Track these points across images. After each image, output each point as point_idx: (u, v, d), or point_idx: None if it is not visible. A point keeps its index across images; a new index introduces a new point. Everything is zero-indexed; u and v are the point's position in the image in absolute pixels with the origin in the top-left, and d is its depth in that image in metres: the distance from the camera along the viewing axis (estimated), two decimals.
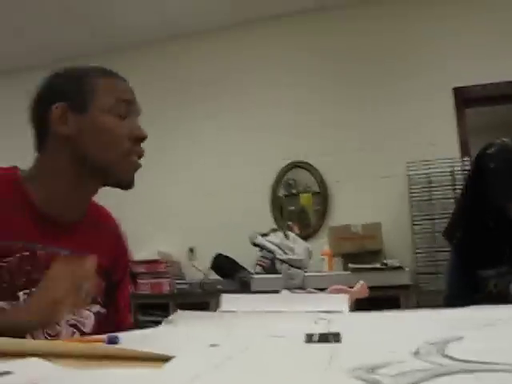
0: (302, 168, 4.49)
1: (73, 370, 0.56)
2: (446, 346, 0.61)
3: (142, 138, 1.27)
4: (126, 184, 1.29)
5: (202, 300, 3.78)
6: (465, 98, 4.26)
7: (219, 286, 3.90)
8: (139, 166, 1.29)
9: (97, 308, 1.29)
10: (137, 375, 0.52)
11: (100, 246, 1.33)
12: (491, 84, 4.16)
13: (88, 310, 1.26)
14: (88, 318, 1.26)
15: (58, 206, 1.24)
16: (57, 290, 1.02)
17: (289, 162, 4.50)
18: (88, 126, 1.22)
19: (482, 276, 2.26)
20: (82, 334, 1.22)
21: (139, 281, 4.30)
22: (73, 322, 1.22)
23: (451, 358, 0.54)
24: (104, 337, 0.83)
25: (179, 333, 1.00)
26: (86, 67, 1.32)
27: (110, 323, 1.32)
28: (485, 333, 0.83)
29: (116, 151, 1.23)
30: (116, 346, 0.77)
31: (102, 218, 1.41)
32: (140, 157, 1.29)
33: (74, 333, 1.21)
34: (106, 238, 1.39)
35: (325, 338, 0.68)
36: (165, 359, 0.59)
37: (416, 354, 0.57)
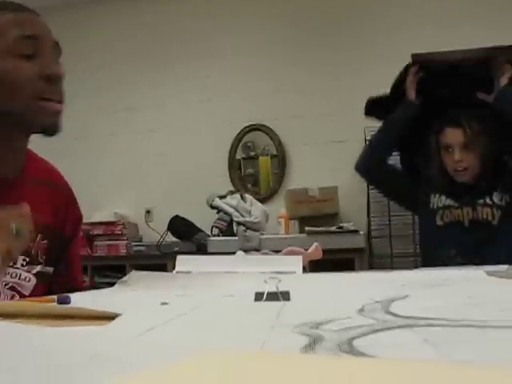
0: (261, 131, 4.48)
1: (18, 325, 0.55)
2: (391, 304, 0.63)
3: (54, 76, 1.14)
4: (46, 129, 1.17)
5: (158, 262, 3.78)
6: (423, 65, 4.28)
7: (176, 248, 3.90)
8: (56, 108, 1.15)
9: (37, 268, 1.23)
10: (83, 332, 0.52)
11: (44, 202, 1.28)
12: (451, 51, 4.19)
13: (27, 271, 1.20)
14: (28, 279, 1.21)
15: None
16: None
17: (247, 124, 4.48)
18: None
19: None
20: (22, 296, 1.17)
21: (95, 243, 4.27)
22: (11, 284, 1.17)
23: (394, 314, 0.55)
24: (55, 297, 0.83)
25: (132, 293, 1.00)
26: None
27: (61, 282, 1.30)
28: (431, 292, 0.85)
29: (22, 95, 1.12)
30: (66, 306, 0.76)
31: (45, 174, 1.34)
32: (58, 97, 1.16)
33: (13, 296, 1.17)
34: (50, 194, 1.32)
35: (274, 296, 0.69)
36: (113, 317, 0.59)
37: (361, 311, 0.58)
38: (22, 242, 1.01)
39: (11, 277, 1.17)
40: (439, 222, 2.30)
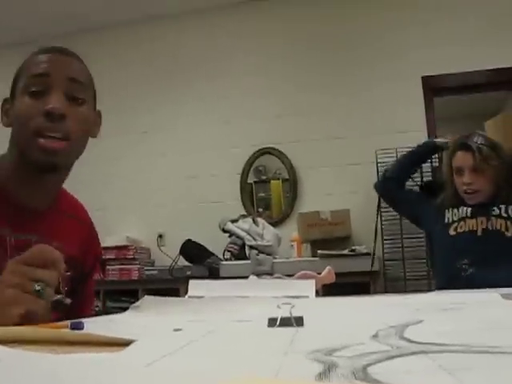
0: (272, 155, 4.49)
1: (30, 353, 0.55)
2: (405, 329, 0.62)
3: (52, 113, 1.14)
4: (41, 166, 1.17)
5: (171, 286, 3.77)
6: (433, 87, 4.30)
7: (188, 272, 3.90)
8: (52, 146, 1.14)
9: (56, 297, 1.24)
10: (97, 359, 0.52)
11: (70, 235, 1.32)
12: (459, 73, 4.20)
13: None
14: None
15: (24, 193, 1.22)
16: (4, 292, 0.89)
17: (259, 148, 4.50)
18: (13, 110, 1.19)
19: None
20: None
21: (108, 267, 4.27)
22: None
23: (408, 340, 0.55)
24: (68, 322, 0.82)
25: (144, 318, 1.00)
26: (37, 49, 1.24)
27: (72, 313, 1.31)
28: (445, 316, 0.84)
29: (24, 131, 1.15)
30: (79, 332, 0.76)
31: (73, 209, 1.39)
32: (59, 134, 1.15)
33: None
34: (77, 228, 1.37)
35: (287, 322, 0.69)
36: (126, 343, 0.59)
37: (375, 336, 0.58)
38: (45, 302, 0.93)
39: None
40: (452, 232, 2.34)
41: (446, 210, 2.42)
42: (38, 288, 0.91)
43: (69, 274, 1.28)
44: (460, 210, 2.36)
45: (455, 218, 2.36)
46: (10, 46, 4.57)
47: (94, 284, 1.54)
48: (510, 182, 2.35)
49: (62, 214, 1.31)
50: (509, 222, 2.25)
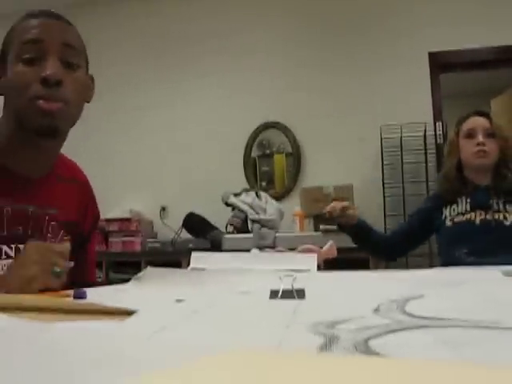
0: (276, 129, 4.48)
1: (33, 322, 0.56)
2: (406, 304, 0.63)
3: (50, 79, 1.13)
4: (40, 130, 1.16)
5: (173, 258, 3.78)
6: (440, 63, 4.26)
7: (191, 245, 3.90)
8: (46, 108, 1.13)
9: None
10: (99, 328, 0.52)
11: (68, 199, 1.33)
12: (466, 50, 4.16)
13: None
14: None
15: (21, 162, 1.22)
16: (30, 268, 1.01)
17: (263, 122, 4.48)
18: (6, 78, 1.18)
19: None
20: None
21: (111, 239, 4.29)
22: None
23: (410, 314, 0.55)
24: (71, 291, 0.83)
25: (147, 289, 1.00)
26: (22, 15, 1.22)
27: (76, 275, 1.32)
28: (446, 292, 0.85)
29: (21, 98, 1.14)
30: (82, 301, 0.77)
31: (69, 171, 1.39)
32: (53, 100, 1.14)
33: None
34: (75, 191, 1.37)
35: (289, 294, 0.69)
36: (129, 313, 0.59)
37: (376, 310, 0.58)
38: (60, 282, 1.05)
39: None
40: (449, 223, 2.30)
41: (444, 208, 2.36)
42: (57, 270, 1.04)
43: (68, 238, 1.29)
44: (459, 206, 2.31)
45: (453, 213, 2.33)
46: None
47: (95, 250, 1.54)
48: (510, 159, 2.33)
49: (59, 180, 1.31)
50: (507, 214, 2.23)
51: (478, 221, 2.23)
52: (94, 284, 1.33)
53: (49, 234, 1.26)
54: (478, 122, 2.32)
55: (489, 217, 2.20)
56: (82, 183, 1.43)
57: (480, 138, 2.27)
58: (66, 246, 1.10)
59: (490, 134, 2.28)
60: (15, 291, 0.97)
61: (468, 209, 2.26)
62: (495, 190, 2.24)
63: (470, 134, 2.31)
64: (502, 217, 2.20)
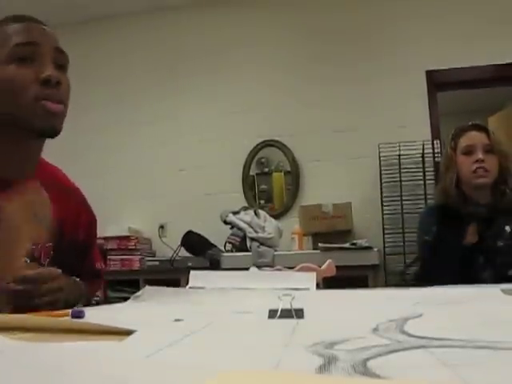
0: (275, 147, 4.49)
1: (30, 343, 0.55)
2: (405, 323, 0.62)
3: (50, 80, 1.18)
4: (44, 130, 1.20)
5: (171, 277, 3.77)
6: (437, 82, 4.29)
7: (189, 263, 3.90)
8: (52, 109, 1.18)
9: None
10: (97, 348, 0.52)
11: (52, 203, 1.31)
12: (463, 68, 4.19)
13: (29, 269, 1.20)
14: None
15: (4, 164, 1.22)
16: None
17: (261, 140, 4.50)
18: None
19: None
20: None
21: (109, 257, 4.28)
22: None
23: (408, 334, 0.55)
24: (69, 311, 0.83)
25: (145, 308, 1.00)
26: (3, 18, 1.26)
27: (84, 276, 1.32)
28: (445, 310, 0.84)
29: (22, 98, 1.17)
30: (80, 321, 0.77)
31: (57, 180, 1.38)
32: (55, 101, 1.19)
33: None
34: (62, 198, 1.35)
35: (288, 314, 0.69)
36: (127, 333, 0.59)
37: (375, 330, 0.58)
38: (45, 230, 1.10)
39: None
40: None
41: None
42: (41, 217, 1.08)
43: (49, 245, 1.27)
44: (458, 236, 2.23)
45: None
46: None
47: (97, 252, 1.54)
48: (509, 175, 2.28)
49: (47, 186, 1.31)
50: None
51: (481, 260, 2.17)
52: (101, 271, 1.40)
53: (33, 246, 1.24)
54: (477, 137, 2.26)
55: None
56: (68, 189, 1.41)
57: (479, 155, 2.20)
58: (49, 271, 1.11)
59: (489, 150, 2.22)
60: None
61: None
62: (494, 214, 2.19)
63: (469, 151, 2.25)
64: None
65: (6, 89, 1.18)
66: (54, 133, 1.22)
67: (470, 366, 0.40)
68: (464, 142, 2.28)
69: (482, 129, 2.29)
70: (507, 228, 2.16)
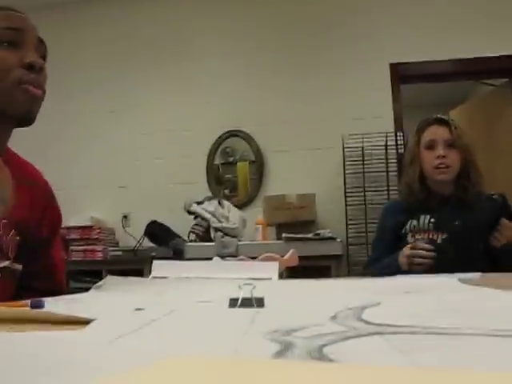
0: (239, 137, 4.50)
1: None
2: (363, 311, 0.64)
3: (34, 65, 1.19)
4: (22, 116, 1.21)
5: (135, 267, 3.76)
6: (401, 74, 4.34)
7: (153, 254, 3.88)
8: (34, 94, 1.20)
9: (4, 263, 1.21)
10: (55, 337, 0.52)
11: (21, 198, 1.28)
12: (427, 62, 4.25)
13: None
14: None
15: None
16: None
17: (226, 130, 4.49)
18: None
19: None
20: None
21: (72, 247, 4.24)
22: None
23: (366, 321, 0.56)
24: (28, 301, 0.82)
25: (106, 298, 0.99)
26: None
27: (44, 287, 1.29)
28: (404, 299, 0.86)
29: (4, 81, 1.17)
30: (39, 310, 0.76)
31: (27, 173, 1.35)
32: (36, 86, 1.21)
33: None
34: (31, 192, 1.32)
35: (248, 302, 0.70)
36: (87, 322, 0.59)
37: (333, 318, 0.59)
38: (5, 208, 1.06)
39: None
40: (410, 240, 2.25)
41: (406, 222, 2.27)
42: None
43: (18, 238, 1.25)
44: (420, 222, 2.23)
45: (412, 227, 2.24)
46: None
47: (63, 257, 1.51)
48: (474, 168, 2.30)
49: (13, 178, 1.28)
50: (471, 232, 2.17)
51: (439, 240, 2.19)
52: (64, 293, 1.30)
53: None
54: (439, 132, 2.28)
55: (452, 238, 2.17)
56: (38, 183, 1.38)
57: (440, 151, 2.23)
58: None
59: (451, 145, 2.25)
60: None
61: (431, 228, 2.21)
62: (456, 208, 2.22)
63: (431, 145, 2.28)
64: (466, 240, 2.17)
65: None
66: (29, 119, 1.22)
67: (425, 351, 0.41)
68: (427, 136, 2.31)
69: (445, 123, 2.31)
70: (457, 222, 2.21)
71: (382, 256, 2.30)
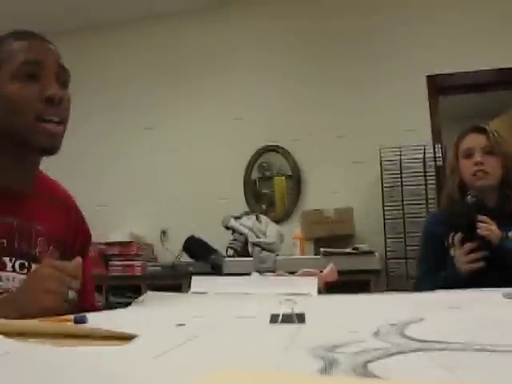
0: (276, 152, 4.50)
1: (37, 346, 0.56)
2: (406, 327, 0.63)
3: (54, 98, 1.20)
4: (44, 149, 1.23)
5: (173, 282, 3.77)
6: (438, 86, 4.29)
7: (191, 269, 3.90)
8: (54, 130, 1.21)
9: (74, 294, 1.25)
10: (100, 353, 0.52)
11: (55, 217, 1.33)
12: (465, 72, 4.20)
13: None
14: None
15: (4, 177, 1.24)
16: (44, 299, 1.01)
17: (263, 145, 4.50)
18: None
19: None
20: None
21: (111, 262, 4.28)
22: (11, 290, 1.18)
23: (409, 337, 0.55)
24: (71, 317, 0.83)
25: (147, 313, 1.00)
26: (5, 34, 1.27)
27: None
28: (446, 315, 0.85)
29: (24, 115, 1.19)
30: (83, 326, 0.77)
31: (57, 194, 1.40)
32: (58, 118, 1.22)
33: None
34: (63, 212, 1.37)
35: (289, 318, 0.70)
36: (130, 338, 0.60)
37: (376, 334, 0.58)
38: (69, 307, 1.04)
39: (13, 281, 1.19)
40: (452, 253, 2.18)
41: (446, 237, 2.15)
42: (71, 297, 1.05)
43: (57, 255, 1.29)
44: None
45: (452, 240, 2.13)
46: None
47: (91, 274, 1.53)
48: None
49: (44, 199, 1.33)
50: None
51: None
52: (94, 309, 1.32)
53: (37, 249, 1.25)
54: (476, 139, 2.24)
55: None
56: (68, 204, 1.43)
57: (477, 158, 2.18)
58: (78, 261, 1.10)
59: (489, 152, 2.19)
60: (27, 317, 0.97)
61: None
62: (500, 219, 2.08)
63: (469, 154, 2.23)
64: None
65: (9, 106, 1.19)
66: (53, 151, 1.24)
67: (470, 369, 0.41)
68: (464, 145, 2.27)
69: (482, 130, 2.26)
70: (510, 234, 2.13)
71: (433, 266, 2.23)
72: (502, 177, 2.20)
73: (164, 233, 4.59)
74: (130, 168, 4.73)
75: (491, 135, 2.23)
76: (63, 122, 1.24)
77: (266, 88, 4.56)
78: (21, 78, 1.19)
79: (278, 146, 4.47)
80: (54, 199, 1.36)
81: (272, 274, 1.84)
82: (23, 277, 1.19)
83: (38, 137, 1.19)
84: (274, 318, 0.70)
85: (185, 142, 4.67)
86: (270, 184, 4.57)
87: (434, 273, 2.21)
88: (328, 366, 0.41)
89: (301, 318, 0.71)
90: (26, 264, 1.21)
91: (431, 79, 4.27)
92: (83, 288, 1.42)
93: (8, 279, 1.18)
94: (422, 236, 2.45)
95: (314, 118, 4.42)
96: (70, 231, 1.38)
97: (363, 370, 0.39)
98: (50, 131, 1.20)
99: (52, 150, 1.23)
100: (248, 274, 1.63)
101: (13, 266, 1.19)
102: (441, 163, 3.94)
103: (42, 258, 1.24)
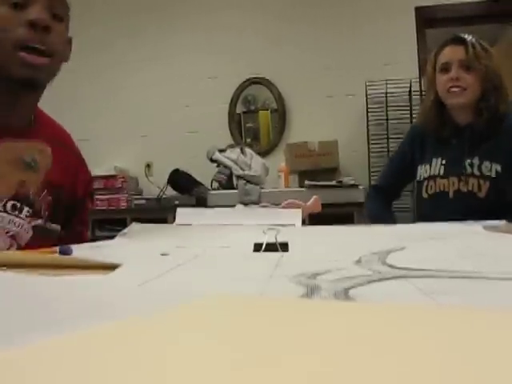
0: (261, 84, 4.45)
1: (23, 276, 0.56)
2: (388, 255, 0.64)
3: (39, 23, 1.10)
4: (20, 80, 1.12)
5: (158, 215, 3.79)
6: (426, 18, 4.23)
7: (176, 202, 3.91)
8: (35, 61, 1.11)
9: (38, 222, 1.23)
10: (84, 281, 0.53)
11: (53, 161, 1.28)
12: (453, 4, 4.13)
13: (28, 223, 1.21)
14: (27, 230, 1.21)
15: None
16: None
17: (248, 77, 4.45)
18: None
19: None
20: (19, 246, 1.18)
21: (96, 196, 4.28)
22: (12, 233, 1.18)
23: (390, 265, 0.56)
24: (56, 248, 0.83)
25: (132, 244, 1.01)
26: None
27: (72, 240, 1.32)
28: (428, 244, 0.86)
29: (6, 43, 1.09)
30: (67, 256, 0.77)
31: (57, 134, 1.35)
32: (42, 45, 1.12)
33: (11, 245, 1.18)
34: (61, 154, 1.32)
35: (272, 247, 0.70)
36: (114, 267, 0.60)
37: (358, 262, 0.59)
38: (36, 175, 1.04)
39: (15, 225, 1.18)
40: (425, 195, 2.11)
41: (419, 166, 2.14)
42: (28, 159, 1.06)
43: (50, 198, 1.27)
44: (432, 167, 2.08)
45: (426, 175, 2.11)
46: None
47: (88, 214, 1.54)
48: (495, 92, 2.01)
49: (42, 137, 1.27)
50: (481, 181, 1.99)
51: (451, 194, 2.08)
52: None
53: (31, 191, 1.22)
54: (453, 52, 2.05)
55: (462, 188, 2.02)
56: (67, 145, 1.39)
57: (453, 73, 2.01)
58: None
59: (467, 66, 2.01)
60: None
61: (442, 173, 2.07)
62: (471, 141, 2.03)
63: (445, 68, 2.05)
64: (476, 187, 2.00)
65: None
66: (34, 85, 1.16)
67: (449, 294, 0.42)
68: (442, 58, 2.09)
69: (461, 42, 2.06)
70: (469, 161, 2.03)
71: (387, 183, 2.31)
72: (480, 93, 2.03)
73: (149, 166, 4.58)
74: (114, 102, 4.66)
75: (470, 47, 2.03)
76: (50, 54, 1.14)
77: (254, 23, 4.46)
78: (8, 4, 1.10)
79: (262, 78, 4.41)
80: (52, 138, 1.30)
81: (256, 206, 1.85)
82: (13, 218, 1.17)
83: (14, 66, 1.11)
84: (257, 247, 0.71)
85: (170, 77, 4.59)
86: (255, 117, 4.54)
87: (384, 194, 2.32)
88: (310, 292, 0.42)
89: (284, 246, 0.71)
90: (18, 205, 1.19)
91: (420, 11, 4.19)
92: (85, 228, 1.44)
93: None
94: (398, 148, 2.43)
95: (300, 51, 4.35)
96: (69, 175, 1.35)
97: (344, 296, 0.40)
98: (27, 61, 1.10)
99: (32, 82, 1.15)
100: (233, 207, 1.64)
101: (4, 206, 1.17)
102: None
103: (35, 200, 1.22)
